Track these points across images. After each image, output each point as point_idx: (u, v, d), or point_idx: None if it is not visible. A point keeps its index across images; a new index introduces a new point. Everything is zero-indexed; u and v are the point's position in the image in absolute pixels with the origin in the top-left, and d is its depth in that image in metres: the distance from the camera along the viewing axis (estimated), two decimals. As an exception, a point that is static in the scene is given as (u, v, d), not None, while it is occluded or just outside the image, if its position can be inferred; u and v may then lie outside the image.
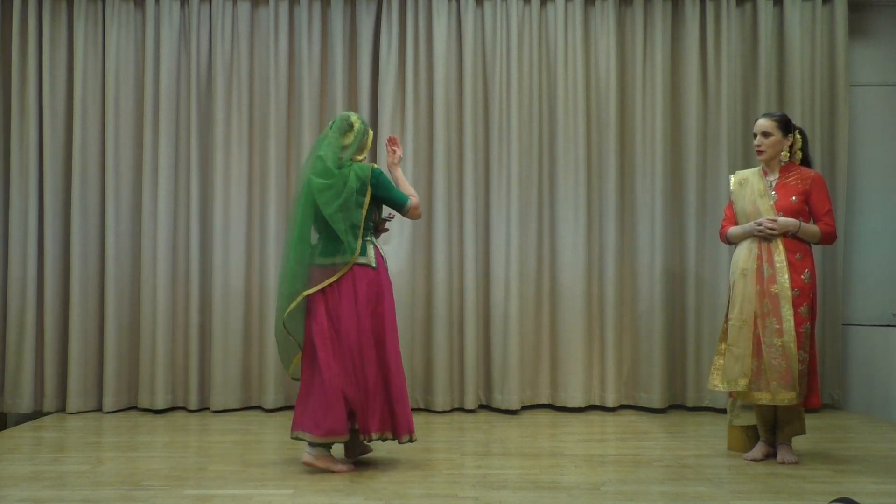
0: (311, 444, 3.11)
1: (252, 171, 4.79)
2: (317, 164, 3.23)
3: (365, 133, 3.33)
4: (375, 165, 3.29)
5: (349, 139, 3.28)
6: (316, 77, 4.79)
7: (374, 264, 3.23)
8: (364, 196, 3.21)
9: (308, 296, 3.20)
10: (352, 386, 3.13)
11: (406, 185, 3.39)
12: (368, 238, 3.26)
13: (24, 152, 4.66)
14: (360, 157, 3.31)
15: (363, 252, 3.22)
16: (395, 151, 3.47)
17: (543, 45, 4.83)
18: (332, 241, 3.20)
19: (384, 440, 3.20)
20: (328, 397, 3.09)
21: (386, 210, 3.41)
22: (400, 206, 3.29)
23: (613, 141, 4.73)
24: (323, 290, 3.18)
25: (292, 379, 3.42)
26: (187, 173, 4.75)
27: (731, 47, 4.77)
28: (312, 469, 3.14)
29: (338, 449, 3.30)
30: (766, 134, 3.38)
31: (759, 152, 3.40)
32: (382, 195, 3.26)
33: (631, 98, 4.81)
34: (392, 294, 3.31)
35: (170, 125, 4.73)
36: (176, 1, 4.78)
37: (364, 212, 3.22)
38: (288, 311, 3.19)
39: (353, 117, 3.33)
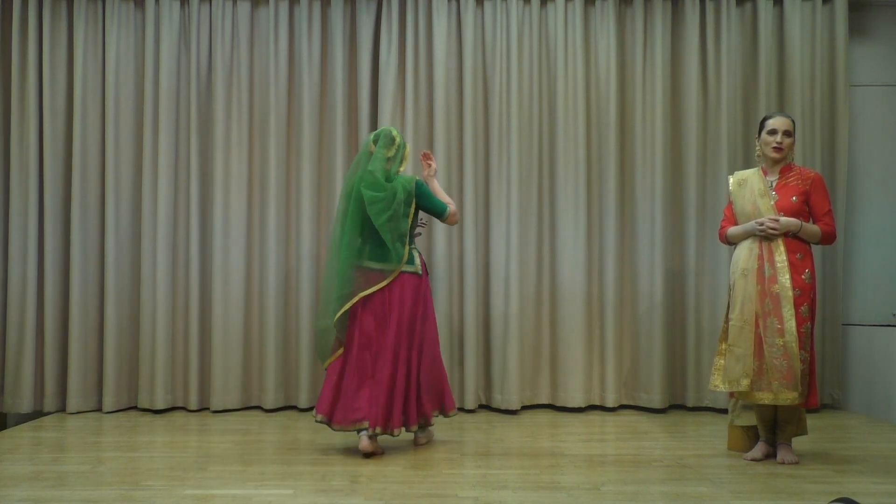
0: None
1: (252, 171, 4.79)
2: (366, 177, 3.48)
3: (404, 146, 3.62)
4: (418, 177, 3.60)
5: (391, 152, 3.57)
6: (316, 77, 4.79)
7: (420, 272, 3.55)
8: (410, 207, 3.53)
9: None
10: (381, 386, 3.40)
11: (443, 194, 3.70)
12: (413, 245, 3.58)
13: (24, 152, 4.66)
14: (401, 169, 3.60)
15: (410, 260, 3.54)
16: (430, 165, 3.78)
17: (543, 45, 4.83)
18: (381, 246, 3.48)
19: (424, 427, 3.58)
20: (367, 389, 3.42)
21: (419, 216, 3.69)
22: (440, 213, 3.61)
23: (613, 141, 4.73)
24: (372, 293, 3.46)
25: (325, 370, 3.60)
26: (187, 173, 4.75)
27: (731, 47, 4.77)
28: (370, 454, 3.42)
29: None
30: (787, 133, 3.38)
31: (778, 150, 3.38)
32: (425, 205, 3.58)
33: (631, 98, 4.81)
34: (432, 298, 3.65)
35: (170, 125, 4.73)
36: (176, 1, 4.78)
37: (409, 221, 3.53)
38: (342, 311, 3.44)
39: (394, 132, 3.61)
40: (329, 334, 3.52)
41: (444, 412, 3.66)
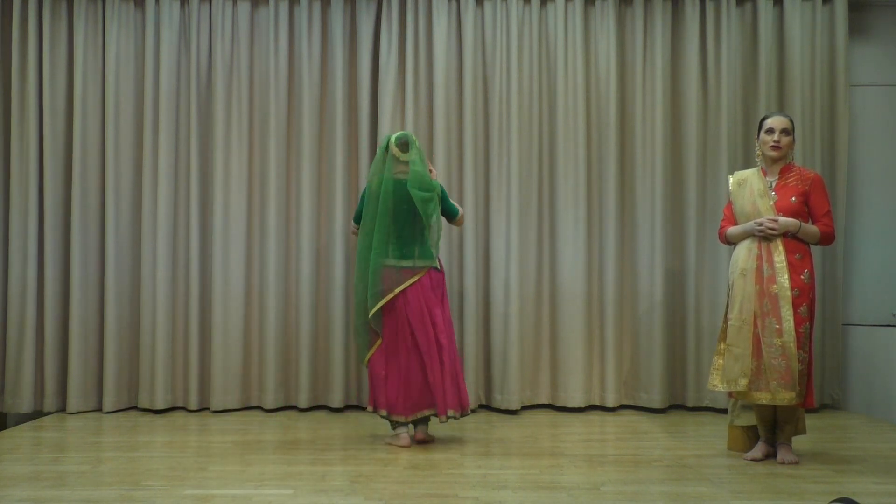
0: (402, 424, 3.64)
1: (252, 171, 4.79)
2: (415, 178, 3.67)
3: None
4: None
5: (419, 154, 3.78)
6: (316, 77, 4.79)
7: (439, 267, 3.76)
8: (440, 207, 3.77)
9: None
10: (434, 371, 3.60)
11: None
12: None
13: (24, 152, 4.66)
14: None
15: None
16: (431, 170, 3.87)
17: (543, 45, 4.83)
18: (405, 245, 3.67)
19: (457, 418, 3.66)
20: (419, 380, 3.61)
21: None
22: (454, 215, 3.86)
23: (613, 141, 4.74)
24: (405, 288, 3.64)
25: (365, 367, 3.78)
26: (187, 173, 4.75)
27: (731, 47, 4.77)
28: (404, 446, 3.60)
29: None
30: (785, 132, 3.38)
31: (776, 148, 3.38)
32: (444, 207, 3.80)
33: (631, 98, 4.81)
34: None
35: (170, 125, 4.73)
36: (176, 1, 4.78)
37: None
38: (378, 307, 3.61)
39: (413, 136, 3.82)
40: (365, 330, 3.70)
41: (462, 407, 3.69)
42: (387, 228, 3.65)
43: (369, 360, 3.71)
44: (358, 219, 3.85)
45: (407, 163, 3.71)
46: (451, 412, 3.61)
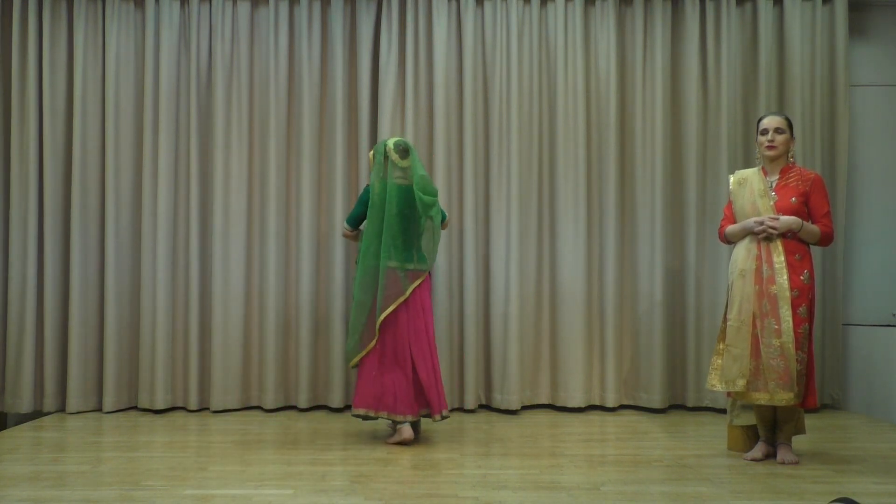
0: (402, 423, 3.65)
1: (252, 171, 4.79)
2: (421, 182, 3.72)
3: None
4: None
5: (419, 160, 3.83)
6: (316, 77, 4.79)
7: (429, 270, 3.82)
8: None
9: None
10: (428, 372, 3.67)
11: None
12: None
13: (24, 152, 4.66)
14: None
15: None
16: None
17: (543, 45, 4.83)
18: (407, 248, 3.71)
19: (448, 417, 3.74)
20: (416, 381, 3.65)
21: None
22: (443, 219, 3.93)
23: (613, 141, 4.74)
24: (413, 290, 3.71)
25: (352, 368, 3.86)
26: (187, 173, 4.75)
27: (731, 47, 4.77)
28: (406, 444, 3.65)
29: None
30: (779, 131, 3.39)
31: (771, 148, 3.40)
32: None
33: (631, 98, 4.81)
34: None
35: (170, 125, 4.73)
36: (176, 1, 4.78)
37: None
38: (390, 310, 3.63)
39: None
40: (360, 332, 3.70)
41: (446, 407, 3.74)
42: (392, 232, 3.68)
43: (360, 361, 3.72)
44: (352, 221, 3.88)
45: (405, 168, 3.74)
46: (444, 412, 3.68)
